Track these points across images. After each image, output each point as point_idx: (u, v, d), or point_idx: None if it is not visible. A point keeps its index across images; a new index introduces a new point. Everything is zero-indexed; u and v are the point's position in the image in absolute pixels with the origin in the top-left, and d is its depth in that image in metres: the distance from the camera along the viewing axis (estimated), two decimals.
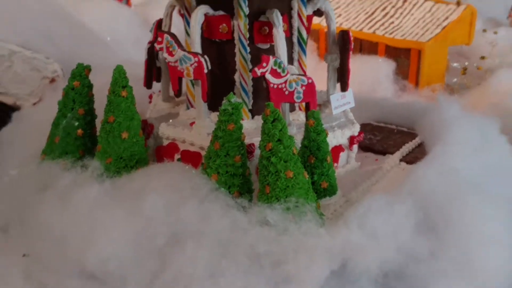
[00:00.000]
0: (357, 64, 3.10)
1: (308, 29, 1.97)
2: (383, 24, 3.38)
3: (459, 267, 1.61)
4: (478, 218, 1.67)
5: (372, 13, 3.48)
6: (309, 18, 1.97)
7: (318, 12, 2.02)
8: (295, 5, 1.90)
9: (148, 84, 2.04)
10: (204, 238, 1.55)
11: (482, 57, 3.46)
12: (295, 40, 1.95)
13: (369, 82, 3.02)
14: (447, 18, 3.31)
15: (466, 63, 3.43)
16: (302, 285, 1.52)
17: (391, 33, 3.31)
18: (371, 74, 3.11)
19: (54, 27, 2.51)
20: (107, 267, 1.59)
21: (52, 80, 2.37)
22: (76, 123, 1.87)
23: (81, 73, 1.88)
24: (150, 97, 2.10)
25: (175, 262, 1.55)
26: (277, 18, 1.81)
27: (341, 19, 3.49)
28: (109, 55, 2.45)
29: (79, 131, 1.88)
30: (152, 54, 1.99)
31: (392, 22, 3.38)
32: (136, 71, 2.01)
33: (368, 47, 3.35)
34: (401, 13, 3.43)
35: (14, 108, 2.40)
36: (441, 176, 1.76)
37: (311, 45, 3.08)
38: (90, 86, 1.90)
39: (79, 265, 1.62)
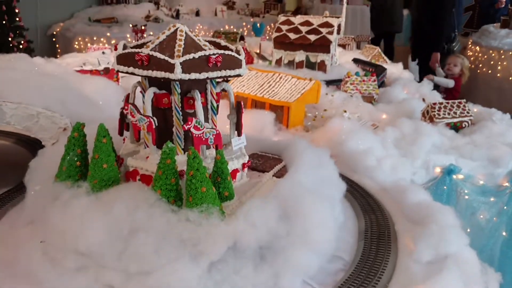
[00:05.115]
0: (252, 115, 3.10)
1: (217, 101, 1.94)
2: (268, 91, 3.39)
3: (303, 240, 1.63)
4: (314, 211, 1.70)
5: (262, 85, 3.49)
6: (218, 94, 1.95)
7: (224, 90, 2.01)
8: (209, 87, 1.88)
9: (121, 133, 1.97)
10: (150, 230, 1.51)
11: (325, 110, 3.53)
12: (209, 107, 1.92)
13: (259, 126, 3.02)
14: (304, 88, 3.35)
15: (316, 114, 3.49)
16: (210, 257, 1.50)
17: (273, 97, 3.32)
18: (261, 121, 3.10)
19: (65, 96, 2.41)
20: (92, 248, 1.53)
21: (64, 129, 2.28)
22: (75, 158, 1.79)
23: (79, 127, 1.80)
24: (124, 140, 2.03)
25: (133, 245, 1.51)
26: (197, 95, 1.80)
27: (244, 88, 3.48)
28: (100, 113, 2.36)
29: (78, 163, 1.79)
30: (122, 115, 1.93)
31: (273, 90, 3.40)
32: (115, 124, 1.95)
33: (260, 104, 3.35)
34: (279, 85, 3.45)
35: (41, 146, 2.28)
36: (293, 185, 1.78)
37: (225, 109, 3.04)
38: (84, 136, 1.81)
39: (74, 246, 1.55)
